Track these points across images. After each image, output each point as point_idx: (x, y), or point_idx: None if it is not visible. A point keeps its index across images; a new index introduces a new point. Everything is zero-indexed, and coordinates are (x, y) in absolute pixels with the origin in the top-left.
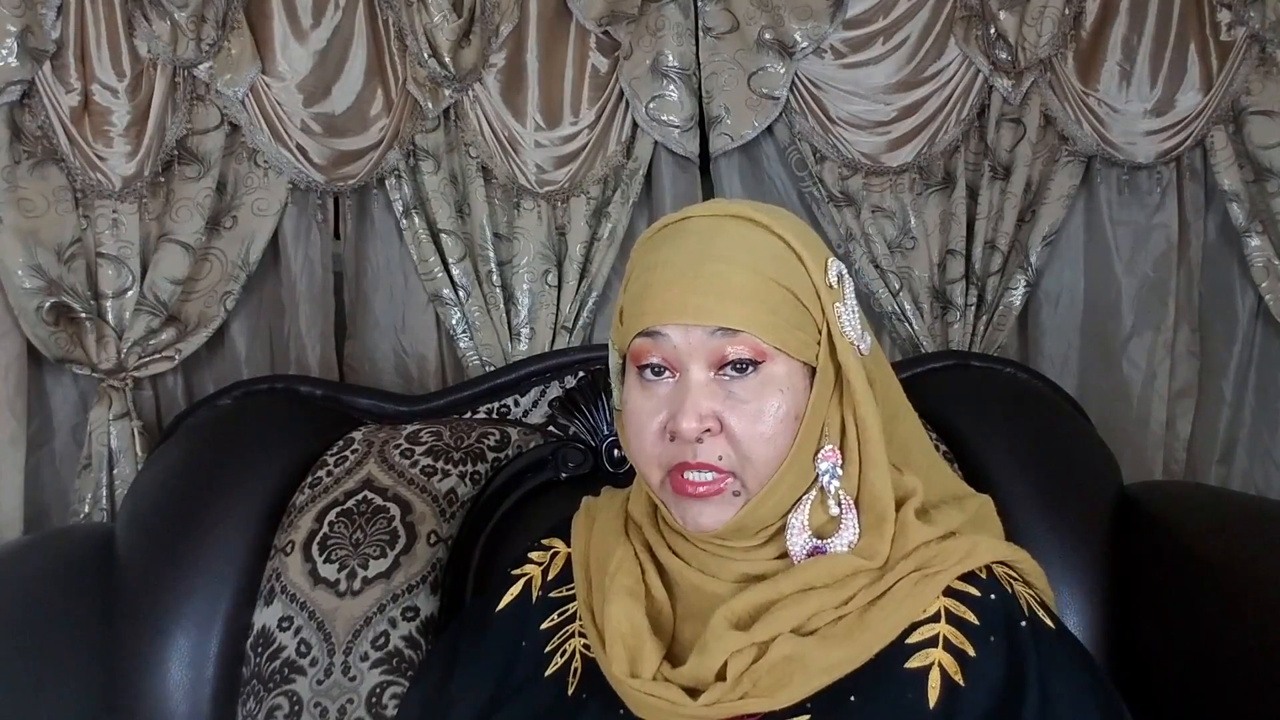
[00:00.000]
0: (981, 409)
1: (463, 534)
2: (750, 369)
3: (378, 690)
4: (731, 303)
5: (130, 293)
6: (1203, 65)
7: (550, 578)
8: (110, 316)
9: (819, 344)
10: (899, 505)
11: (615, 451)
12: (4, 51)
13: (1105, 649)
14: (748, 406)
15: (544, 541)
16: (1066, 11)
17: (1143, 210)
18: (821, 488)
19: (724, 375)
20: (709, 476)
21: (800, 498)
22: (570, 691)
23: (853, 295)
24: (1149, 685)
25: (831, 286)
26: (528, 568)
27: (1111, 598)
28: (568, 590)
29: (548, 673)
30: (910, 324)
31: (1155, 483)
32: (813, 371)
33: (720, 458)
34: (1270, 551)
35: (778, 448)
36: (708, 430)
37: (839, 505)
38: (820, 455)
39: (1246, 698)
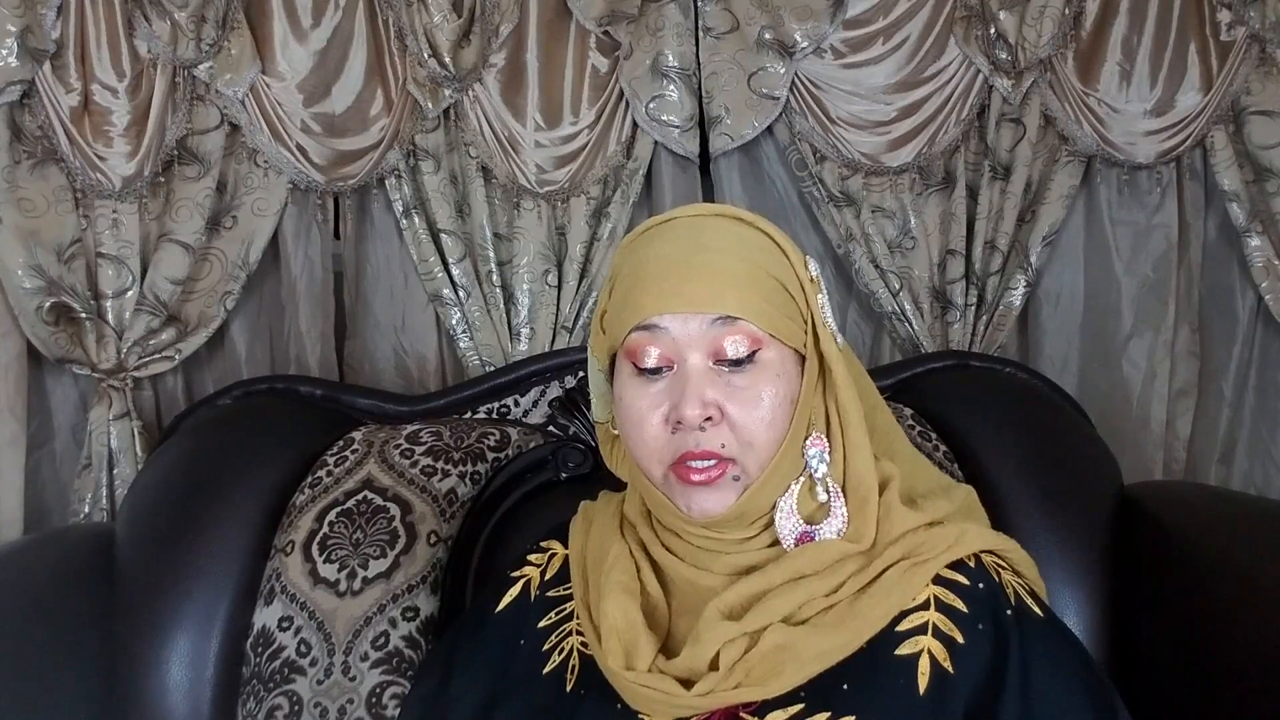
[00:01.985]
0: (981, 409)
1: (463, 534)
2: (746, 360)
3: (378, 690)
4: (729, 290)
5: (130, 293)
6: (1203, 65)
7: (548, 577)
8: (110, 316)
9: (806, 333)
10: (881, 490)
11: None
12: (4, 51)
13: (1105, 649)
14: (746, 393)
15: (542, 544)
16: (1066, 11)
17: (1143, 210)
18: (809, 475)
19: (721, 364)
20: (711, 463)
21: (789, 485)
22: (568, 688)
23: (826, 292)
24: (1149, 685)
25: (812, 280)
26: (526, 569)
27: (1111, 598)
28: (565, 589)
29: (546, 670)
30: (910, 324)
31: (1155, 483)
32: (802, 359)
33: (723, 445)
34: (1270, 551)
35: (777, 431)
36: (709, 418)
37: (827, 492)
38: (808, 442)
39: (1246, 697)
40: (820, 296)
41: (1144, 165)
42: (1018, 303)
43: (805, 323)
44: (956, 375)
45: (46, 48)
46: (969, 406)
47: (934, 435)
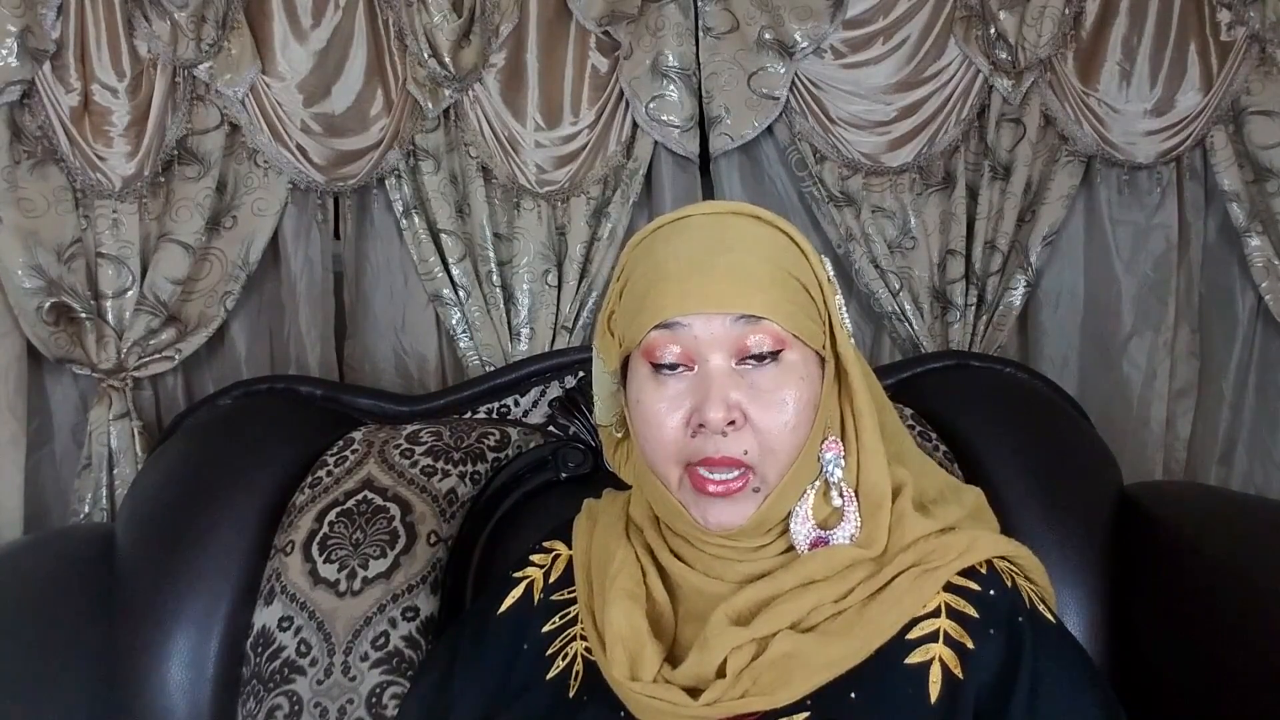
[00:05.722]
0: (981, 409)
1: (463, 534)
2: (770, 358)
3: (378, 690)
4: (753, 290)
5: (130, 293)
6: (1203, 65)
7: (552, 580)
8: (110, 316)
9: (824, 334)
10: (894, 496)
11: None
12: (4, 51)
13: (1105, 648)
14: (770, 396)
15: (545, 544)
16: (1066, 11)
17: (1143, 210)
18: (825, 480)
19: (744, 365)
20: (730, 475)
21: (804, 489)
22: (571, 694)
23: (840, 293)
24: (1149, 684)
25: (830, 280)
26: (529, 570)
27: (1111, 598)
28: (569, 593)
29: (549, 675)
30: (910, 324)
31: (1155, 483)
32: (821, 361)
33: (745, 452)
34: (1270, 551)
35: (800, 436)
36: (732, 422)
37: (841, 496)
38: (824, 446)
39: (1246, 697)
40: (837, 297)
41: (1144, 165)
42: (1018, 303)
43: (824, 323)
44: (956, 375)
45: (46, 48)
46: (969, 406)
47: (934, 435)
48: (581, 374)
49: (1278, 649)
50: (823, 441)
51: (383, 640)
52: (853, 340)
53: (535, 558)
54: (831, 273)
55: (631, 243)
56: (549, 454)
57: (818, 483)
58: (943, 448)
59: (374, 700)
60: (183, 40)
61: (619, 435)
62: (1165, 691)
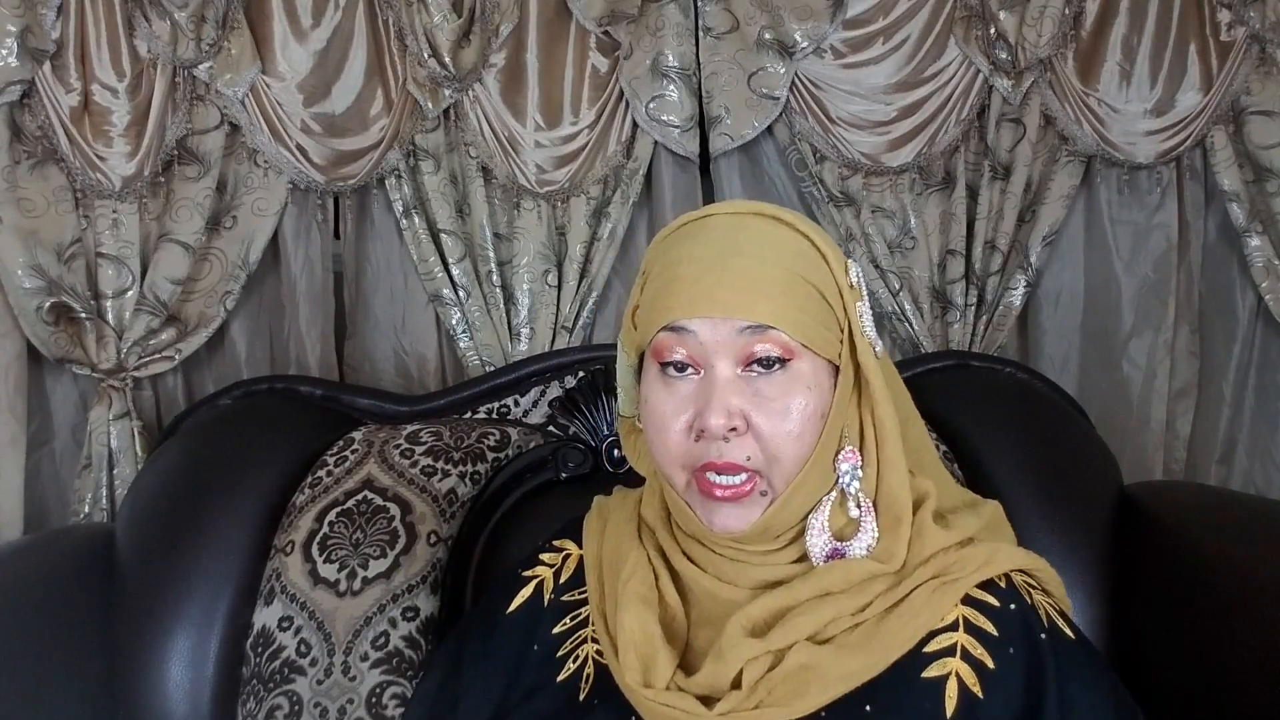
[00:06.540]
0: (981, 409)
1: (463, 534)
2: (777, 366)
3: (378, 690)
4: (761, 298)
5: (130, 293)
6: (1203, 65)
7: (562, 580)
8: (110, 316)
9: (842, 343)
10: (915, 508)
11: (615, 451)
12: (4, 51)
13: (1105, 648)
14: (774, 404)
15: (555, 542)
16: (1066, 11)
17: (1143, 210)
18: (841, 490)
19: (751, 372)
20: (737, 480)
21: (820, 499)
22: (581, 697)
23: (868, 297)
24: (1149, 685)
25: (853, 286)
26: (539, 569)
27: (1111, 598)
28: (580, 594)
29: (559, 678)
30: (910, 324)
31: (1155, 483)
32: (835, 370)
33: (748, 458)
34: (1270, 551)
35: (805, 445)
36: (734, 429)
37: (859, 507)
38: (840, 456)
39: (1246, 697)
40: (860, 304)
41: (1144, 165)
42: (1018, 303)
43: (842, 331)
44: (956, 375)
45: (46, 48)
46: (969, 406)
47: (934, 435)
48: (581, 374)
49: (1278, 649)
50: (839, 451)
51: (383, 640)
52: (878, 348)
53: (545, 556)
54: (855, 279)
55: (656, 239)
56: (549, 454)
57: (834, 493)
58: (943, 448)
59: (374, 700)
60: (183, 40)
61: (641, 426)
62: (1165, 691)
